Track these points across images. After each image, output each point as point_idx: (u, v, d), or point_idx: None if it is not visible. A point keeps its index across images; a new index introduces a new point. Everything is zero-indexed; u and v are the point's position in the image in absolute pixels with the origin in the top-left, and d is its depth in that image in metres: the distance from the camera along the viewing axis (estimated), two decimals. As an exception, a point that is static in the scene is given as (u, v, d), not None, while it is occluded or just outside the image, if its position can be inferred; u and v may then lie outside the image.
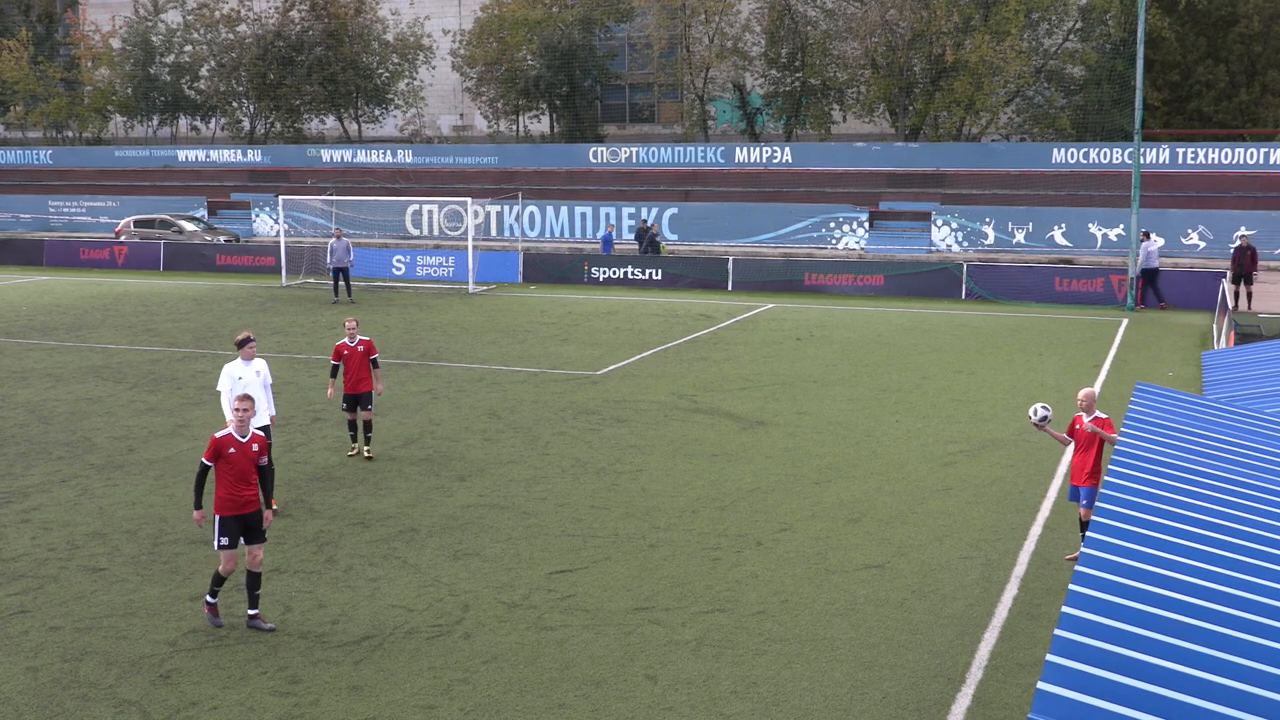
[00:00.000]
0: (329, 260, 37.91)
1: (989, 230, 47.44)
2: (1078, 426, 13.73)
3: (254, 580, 11.87)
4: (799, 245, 49.32)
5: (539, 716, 10.07)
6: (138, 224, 51.17)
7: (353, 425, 18.42)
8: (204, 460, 11.86)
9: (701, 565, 13.63)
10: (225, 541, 11.75)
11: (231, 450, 11.82)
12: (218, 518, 11.80)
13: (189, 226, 50.93)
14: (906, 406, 21.78)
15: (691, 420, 20.71)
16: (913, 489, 16.62)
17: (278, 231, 47.32)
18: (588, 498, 16.20)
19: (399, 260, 44.16)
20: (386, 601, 12.57)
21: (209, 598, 11.95)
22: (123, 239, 49.58)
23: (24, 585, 13.02)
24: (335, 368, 18.18)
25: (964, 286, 37.77)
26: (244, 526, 11.85)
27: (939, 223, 48.12)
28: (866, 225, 49.15)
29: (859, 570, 13.47)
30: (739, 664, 11.07)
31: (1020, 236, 47.09)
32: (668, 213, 51.42)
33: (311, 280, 42.00)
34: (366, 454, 18.12)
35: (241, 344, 15.54)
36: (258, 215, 57.37)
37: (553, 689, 10.58)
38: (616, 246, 45.22)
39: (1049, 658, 7.24)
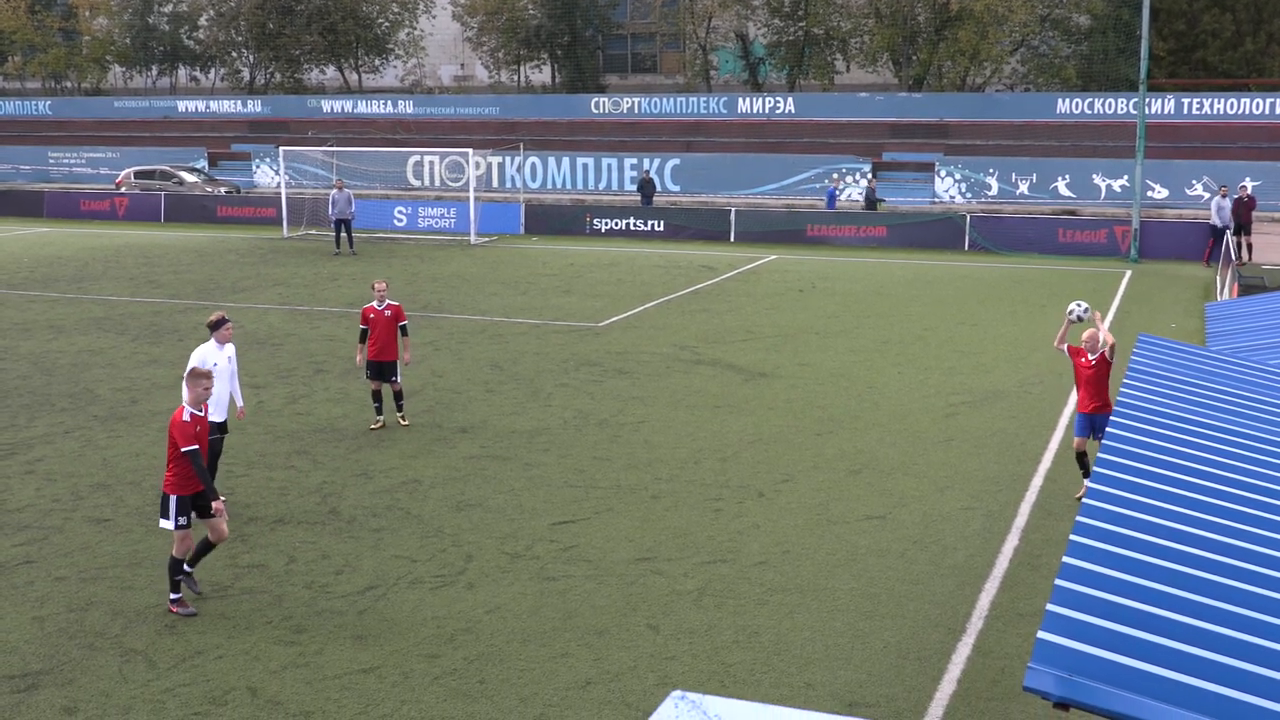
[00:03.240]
0: (330, 211, 37.79)
1: (992, 181, 47.27)
2: (1081, 359, 14.32)
3: (207, 548, 11.36)
4: (802, 196, 49.13)
5: (542, 666, 10.13)
6: (138, 175, 51.01)
7: (377, 396, 17.20)
8: (189, 448, 10.92)
9: (703, 516, 13.68)
10: (184, 521, 11.04)
11: (198, 429, 11.08)
12: (174, 497, 11.02)
13: (189, 178, 50.76)
14: (908, 358, 21.78)
15: (694, 372, 20.72)
16: (914, 440, 16.64)
17: (278, 183, 47.17)
18: (590, 449, 16.24)
19: (400, 212, 44.05)
20: (390, 552, 12.62)
21: (172, 594, 11.14)
22: (123, 190, 49.44)
23: (29, 536, 13.08)
24: (364, 332, 17.09)
25: (967, 238, 37.68)
26: (196, 504, 11.18)
27: (942, 174, 47.93)
28: (870, 176, 48.96)
29: (860, 521, 13.51)
30: (740, 614, 11.13)
31: (1024, 188, 46.91)
32: (670, 163, 51.21)
33: (313, 232, 41.91)
34: (403, 421, 17.16)
35: (216, 325, 13.63)
36: (258, 166, 57.17)
37: (555, 638, 10.65)
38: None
39: (1049, 607, 7.26)
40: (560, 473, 15.22)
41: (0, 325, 25.08)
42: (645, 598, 11.48)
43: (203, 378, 11.29)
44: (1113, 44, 55.09)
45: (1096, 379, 14.20)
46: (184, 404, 11.10)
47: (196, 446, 10.93)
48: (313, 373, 20.69)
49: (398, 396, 17.33)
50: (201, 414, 11.17)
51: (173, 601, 11.14)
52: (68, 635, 10.69)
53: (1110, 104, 50.21)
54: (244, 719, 9.32)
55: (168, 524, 11.11)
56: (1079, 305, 14.62)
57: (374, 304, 17.16)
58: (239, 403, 14.07)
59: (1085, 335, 14.37)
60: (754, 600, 11.42)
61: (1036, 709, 9.15)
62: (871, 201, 41.79)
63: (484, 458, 15.88)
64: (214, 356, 13.46)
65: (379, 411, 17.25)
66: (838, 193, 43.76)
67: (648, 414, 17.99)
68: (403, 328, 17.22)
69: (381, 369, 17.08)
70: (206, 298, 28.49)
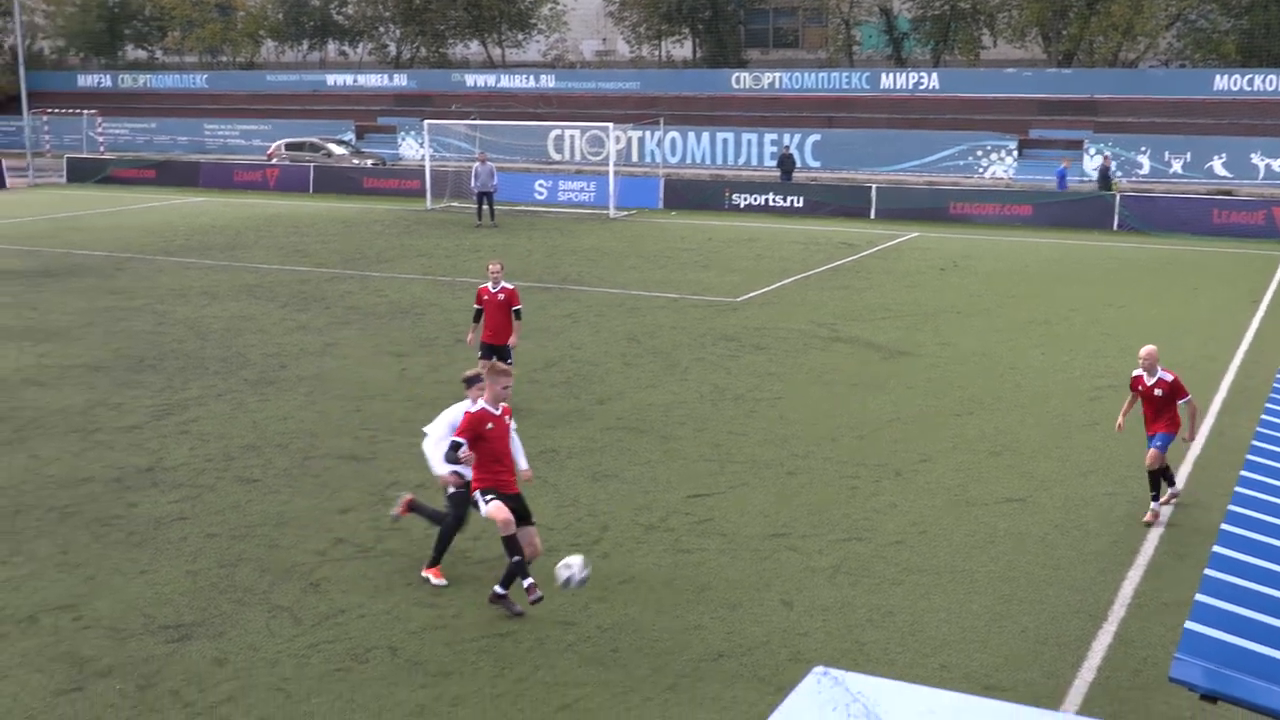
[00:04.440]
0: (473, 184, 38.30)
1: (1144, 160, 45.87)
2: (1139, 388, 13.12)
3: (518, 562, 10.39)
4: (944, 174, 48.32)
5: (675, 637, 10.19)
6: (288, 147, 52.26)
7: None
8: (455, 439, 10.30)
9: (839, 494, 13.59)
10: (491, 496, 10.29)
11: (489, 426, 10.34)
12: (479, 491, 10.44)
13: (337, 150, 51.87)
14: (1052, 339, 21.32)
15: (831, 349, 20.57)
16: (1057, 423, 16.30)
17: (423, 155, 47.93)
18: (726, 423, 16.24)
19: (541, 185, 44.44)
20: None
21: (499, 588, 10.52)
22: (274, 162, 50.74)
23: (183, 494, 13.57)
24: (477, 312, 16.80)
25: (1116, 217, 36.63)
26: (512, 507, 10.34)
27: (1091, 151, 46.65)
28: (1015, 153, 47.90)
29: (1000, 503, 13.30)
30: (875, 593, 11.05)
31: (1177, 166, 45.44)
32: (810, 139, 50.78)
33: (455, 204, 42.52)
34: None
35: (471, 381, 11.61)
36: (404, 139, 58.16)
37: (688, 610, 10.70)
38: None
39: (1198, 597, 7.07)
40: (696, 446, 15.25)
41: (158, 291, 25.99)
42: (779, 573, 11.47)
43: (503, 374, 10.58)
44: (1275, 18, 52.90)
45: (1160, 403, 12.97)
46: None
47: (463, 441, 10.17)
48: (453, 342, 21.02)
49: None
50: (497, 412, 10.42)
51: (497, 596, 10.54)
52: (218, 590, 11.07)
53: (1271, 81, 48.25)
54: (384, 676, 9.56)
55: (484, 507, 10.32)
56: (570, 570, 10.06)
57: (488, 285, 16.78)
58: (522, 465, 11.17)
59: (1143, 352, 13.14)
60: (889, 580, 11.33)
61: (1181, 701, 8.90)
62: (1106, 180, 40.20)
63: (620, 429, 15.98)
64: None
65: None
66: (1068, 172, 41.96)
67: (784, 390, 17.92)
68: (516, 311, 16.80)
69: (495, 351, 16.57)
70: (352, 267, 29.13)
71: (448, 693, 9.32)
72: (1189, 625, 6.80)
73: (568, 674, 9.59)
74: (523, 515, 10.50)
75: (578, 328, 22.29)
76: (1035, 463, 14.66)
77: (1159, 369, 13.02)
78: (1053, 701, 9.19)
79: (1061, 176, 41.31)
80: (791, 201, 40.83)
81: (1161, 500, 12.99)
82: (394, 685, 9.42)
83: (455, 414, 11.35)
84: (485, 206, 37.90)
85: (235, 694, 9.27)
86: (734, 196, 41.59)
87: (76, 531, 12.47)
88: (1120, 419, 13.53)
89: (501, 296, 16.70)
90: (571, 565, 9.77)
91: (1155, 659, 9.73)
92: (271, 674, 9.57)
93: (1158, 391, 12.96)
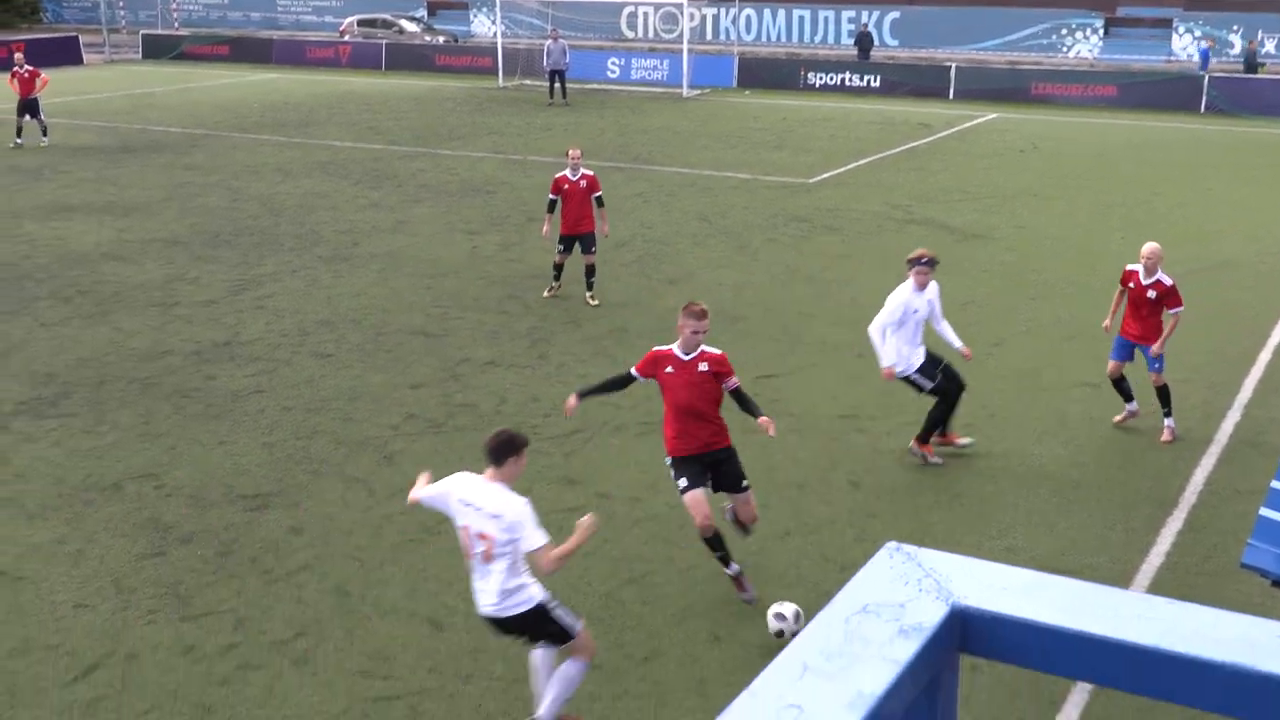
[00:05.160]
0: (545, 62, 37.94)
1: (1235, 39, 44.34)
2: (1130, 284, 11.88)
3: (740, 530, 9.48)
4: (1027, 53, 47.08)
5: (742, 515, 10.26)
6: (361, 23, 52.00)
7: (558, 267, 16.30)
8: (633, 372, 9.24)
9: (909, 376, 13.50)
10: (684, 483, 8.93)
11: (668, 370, 8.98)
12: (671, 458, 9.15)
13: (410, 26, 51.52)
14: (1133, 223, 20.88)
15: (905, 231, 20.31)
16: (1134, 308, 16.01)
17: (495, 33, 47.47)
18: (796, 304, 16.16)
19: (613, 63, 43.91)
20: (597, 398, 12.86)
21: (726, 570, 9.03)
22: (346, 38, 50.54)
23: (259, 367, 13.81)
24: (552, 202, 15.87)
25: (1204, 99, 35.55)
26: (711, 469, 9.12)
27: (1181, 30, 45.18)
28: (1101, 32, 46.51)
29: (1072, 388, 13.17)
30: (943, 475, 11.05)
31: (1271, 46, 43.88)
32: (889, 16, 49.60)
33: (527, 82, 42.18)
34: (591, 301, 16.05)
35: (915, 262, 11.33)
36: (475, 16, 57.60)
37: (756, 489, 10.68)
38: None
39: (1274, 484, 6.99)
40: (765, 327, 15.21)
41: (233, 168, 26.18)
42: (847, 454, 11.49)
43: (694, 316, 9.01)
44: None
45: (1149, 306, 11.77)
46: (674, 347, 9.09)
47: (636, 376, 9.17)
48: (525, 221, 21.02)
49: (589, 271, 16.10)
50: (685, 358, 8.99)
51: (734, 579, 9.07)
52: (294, 461, 11.31)
53: (1375, -45, 46.31)
54: (455, 548, 9.72)
55: (680, 492, 9.06)
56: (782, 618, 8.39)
57: (567, 173, 15.89)
58: (956, 344, 11.78)
59: (1146, 250, 11.83)
60: (958, 463, 11.31)
61: (1251, 588, 8.82)
62: (1252, 64, 38.76)
63: (690, 310, 15.93)
64: (916, 302, 11.28)
65: (556, 278, 16.42)
66: (1210, 53, 40.46)
67: (856, 272, 17.76)
68: (598, 198, 15.97)
69: (577, 240, 15.97)
70: (424, 145, 29.11)
71: (517, 565, 9.48)
72: (1263, 512, 6.74)
73: (635, 549, 9.72)
74: (731, 481, 9.20)
75: (648, 207, 22.18)
76: (1110, 348, 14.43)
77: (1159, 270, 11.81)
78: (1119, 586, 9.18)
79: (1205, 57, 39.92)
80: (868, 81, 40.05)
81: (1121, 417, 12.21)
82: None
83: (901, 295, 11.23)
84: (557, 85, 37.57)
85: (311, 562, 9.52)
86: (809, 75, 40.85)
87: (158, 403, 12.76)
88: (1108, 319, 12.35)
89: (583, 184, 15.85)
90: (785, 616, 8.32)
91: (1225, 546, 9.67)
92: (347, 543, 9.80)
93: (1151, 293, 11.75)
